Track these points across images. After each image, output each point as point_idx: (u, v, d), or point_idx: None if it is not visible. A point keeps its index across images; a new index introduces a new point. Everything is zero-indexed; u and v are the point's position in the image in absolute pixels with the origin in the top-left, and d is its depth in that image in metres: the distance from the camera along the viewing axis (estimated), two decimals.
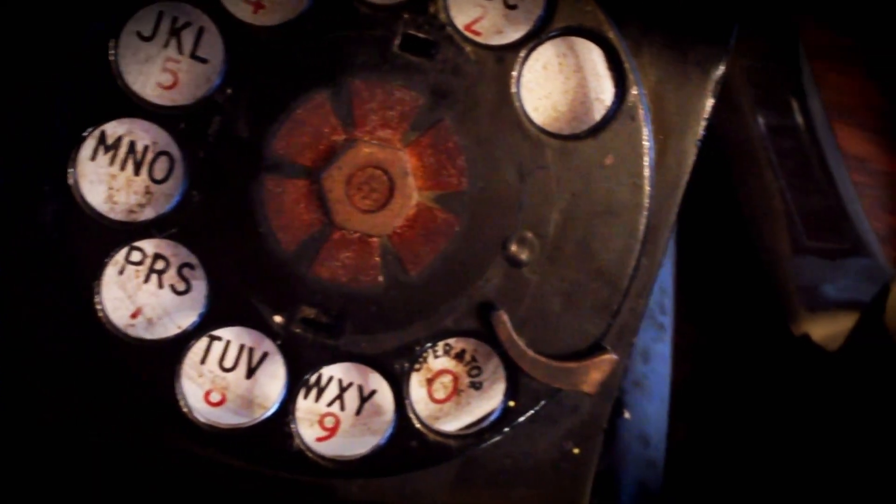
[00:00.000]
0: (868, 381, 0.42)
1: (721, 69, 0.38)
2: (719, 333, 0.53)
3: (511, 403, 0.38)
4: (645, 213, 0.37)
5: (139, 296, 0.37)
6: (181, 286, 0.37)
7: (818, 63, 0.59)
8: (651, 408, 0.44)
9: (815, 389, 0.45)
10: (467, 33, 0.36)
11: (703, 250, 0.55)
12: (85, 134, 0.36)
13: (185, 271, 0.37)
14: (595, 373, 0.37)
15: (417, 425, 0.37)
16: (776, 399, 0.50)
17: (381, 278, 0.36)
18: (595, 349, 0.37)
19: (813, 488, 0.48)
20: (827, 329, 0.47)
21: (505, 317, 0.36)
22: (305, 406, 0.38)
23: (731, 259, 0.53)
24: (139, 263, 0.37)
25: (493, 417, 0.38)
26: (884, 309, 0.42)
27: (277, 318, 0.36)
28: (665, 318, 0.45)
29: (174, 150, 0.36)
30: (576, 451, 0.39)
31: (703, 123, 0.38)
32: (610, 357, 0.37)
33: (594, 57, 0.38)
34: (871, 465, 0.42)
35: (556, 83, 0.38)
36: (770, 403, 0.51)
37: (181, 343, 0.36)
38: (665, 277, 0.45)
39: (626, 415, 0.42)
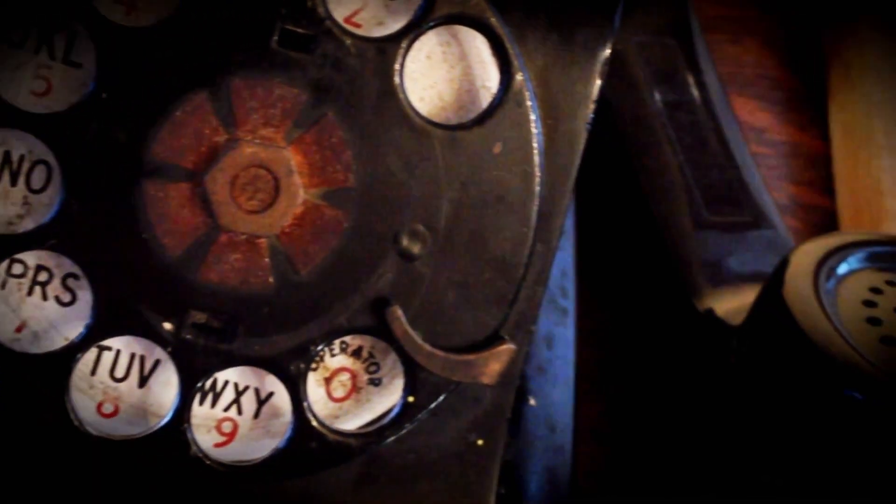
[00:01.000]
0: (768, 354, 0.42)
1: (607, 50, 0.38)
2: (626, 313, 0.53)
3: (410, 399, 0.37)
4: (537, 199, 0.37)
5: (23, 309, 0.36)
6: (66, 297, 0.36)
7: (713, 35, 0.59)
8: (556, 393, 0.43)
9: (720, 364, 0.45)
10: (347, 26, 0.36)
11: (605, 230, 0.54)
12: None
13: (70, 282, 0.36)
14: (494, 364, 0.37)
15: (316, 426, 0.36)
16: (684, 376, 0.50)
17: (271, 279, 0.36)
18: (493, 340, 0.37)
19: (722, 463, 0.48)
20: (730, 303, 0.47)
21: (399, 312, 0.36)
22: (201, 412, 0.38)
23: (634, 237, 0.53)
24: (21, 276, 0.36)
25: (393, 414, 0.37)
26: (782, 282, 0.42)
27: (167, 325, 0.35)
28: (567, 302, 0.45)
29: (51, 159, 0.35)
30: (480, 442, 0.39)
31: (593, 106, 0.38)
32: (508, 347, 0.37)
33: (478, 44, 0.37)
34: (774, 438, 0.42)
35: (441, 72, 0.37)
36: (678, 380, 0.51)
37: (69, 355, 0.35)
38: (566, 261, 0.45)
39: (532, 402, 0.42)
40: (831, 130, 0.62)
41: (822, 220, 0.60)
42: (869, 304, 0.42)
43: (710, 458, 0.49)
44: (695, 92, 0.55)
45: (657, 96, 0.54)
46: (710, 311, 0.47)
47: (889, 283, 0.43)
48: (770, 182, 0.59)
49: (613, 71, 0.51)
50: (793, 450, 0.41)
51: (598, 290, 0.53)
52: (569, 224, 0.45)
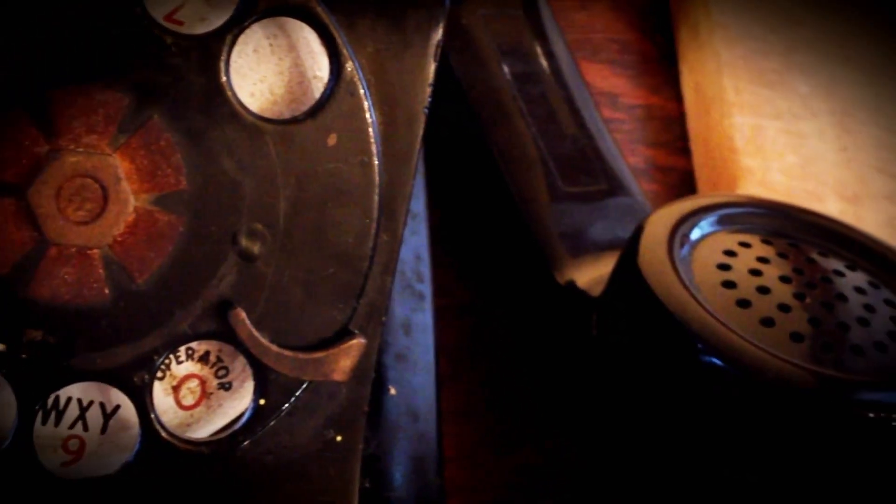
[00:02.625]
0: (627, 324, 0.42)
1: (440, 32, 0.37)
2: (489, 290, 0.53)
3: (262, 402, 0.36)
4: (377, 188, 0.36)
5: None
6: None
7: (559, 3, 0.59)
8: (417, 379, 0.43)
9: (582, 337, 0.45)
10: (167, 24, 0.35)
11: (463, 208, 0.54)
12: None
13: None
14: (345, 359, 0.36)
15: (165, 436, 0.35)
16: (549, 350, 0.50)
17: (107, 290, 0.34)
18: (343, 335, 0.36)
19: (591, 435, 0.48)
20: (591, 274, 0.47)
21: (243, 314, 0.35)
22: (45, 432, 0.36)
23: (492, 213, 0.52)
24: None
25: (245, 418, 0.36)
26: (637, 251, 0.42)
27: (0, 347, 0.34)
28: (424, 286, 0.44)
29: None
30: (338, 438, 0.38)
31: (429, 89, 0.37)
32: (359, 342, 0.36)
33: (307, 34, 0.36)
34: (637, 409, 0.42)
35: (270, 66, 0.36)
36: (544, 355, 0.51)
37: None
38: (420, 244, 0.44)
39: (392, 391, 0.41)
40: (684, 91, 0.62)
41: (680, 181, 0.60)
42: (723, 267, 0.42)
43: (579, 432, 0.49)
44: (544, 62, 0.55)
45: (506, 69, 0.54)
46: (572, 283, 0.47)
47: (742, 244, 0.44)
48: (626, 147, 0.59)
49: (460, 46, 0.51)
50: (655, 419, 0.41)
51: (461, 269, 0.53)
52: (420, 207, 0.44)
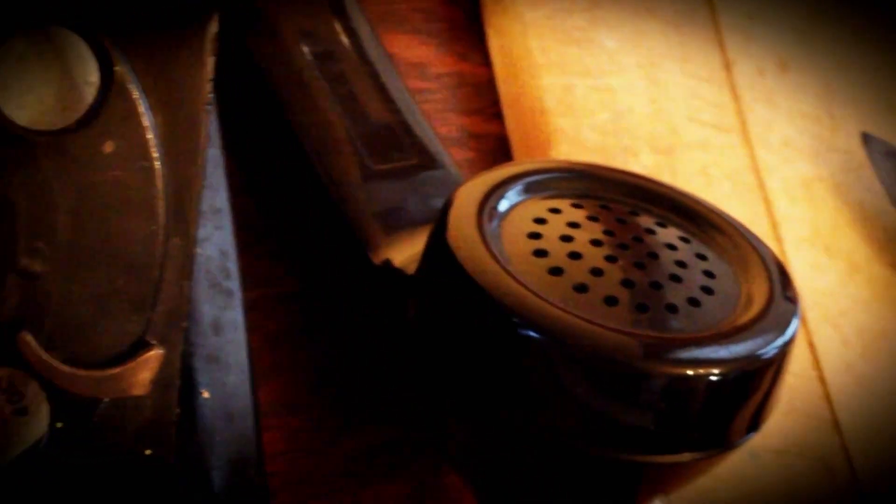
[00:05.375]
0: (441, 302, 0.41)
1: (215, 25, 0.36)
2: (310, 277, 0.52)
3: (59, 425, 0.35)
4: (161, 193, 0.35)
5: None
6: None
7: None
8: (231, 380, 0.42)
9: (401, 317, 0.44)
10: None
11: (275, 195, 0.53)
12: None
13: None
14: (143, 372, 0.35)
15: None
16: (375, 333, 0.49)
17: None
18: (139, 347, 0.35)
19: (416, 416, 0.48)
20: (407, 251, 0.46)
21: (28, 337, 0.34)
22: None
23: (304, 198, 0.51)
24: None
25: (44, 443, 0.35)
26: (446, 226, 0.41)
27: None
28: (231, 283, 0.43)
29: None
30: (148, 452, 0.37)
31: (210, 85, 0.36)
32: (156, 352, 0.35)
33: (74, 38, 0.35)
34: (459, 389, 0.41)
35: (38, 75, 0.35)
36: (371, 339, 0.50)
37: None
38: (225, 240, 0.43)
39: (205, 394, 0.40)
40: (492, 56, 0.61)
41: (496, 147, 0.59)
42: (534, 236, 0.42)
43: (408, 415, 0.49)
44: (344, 39, 0.54)
45: (305, 49, 0.52)
46: (388, 262, 0.47)
47: (552, 210, 0.43)
48: (438, 116, 0.59)
49: (257, 29, 0.50)
50: (477, 396, 0.41)
51: (280, 257, 0.51)
52: (222, 201, 0.43)
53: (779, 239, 0.59)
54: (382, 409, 0.50)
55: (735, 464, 0.48)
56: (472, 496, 0.47)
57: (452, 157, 0.53)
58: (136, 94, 0.34)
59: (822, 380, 0.55)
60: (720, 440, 0.40)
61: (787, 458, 0.52)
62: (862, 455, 0.53)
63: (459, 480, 0.48)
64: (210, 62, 0.36)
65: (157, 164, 0.35)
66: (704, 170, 0.59)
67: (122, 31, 0.34)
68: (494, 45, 0.61)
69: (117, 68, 0.34)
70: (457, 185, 0.45)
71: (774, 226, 0.59)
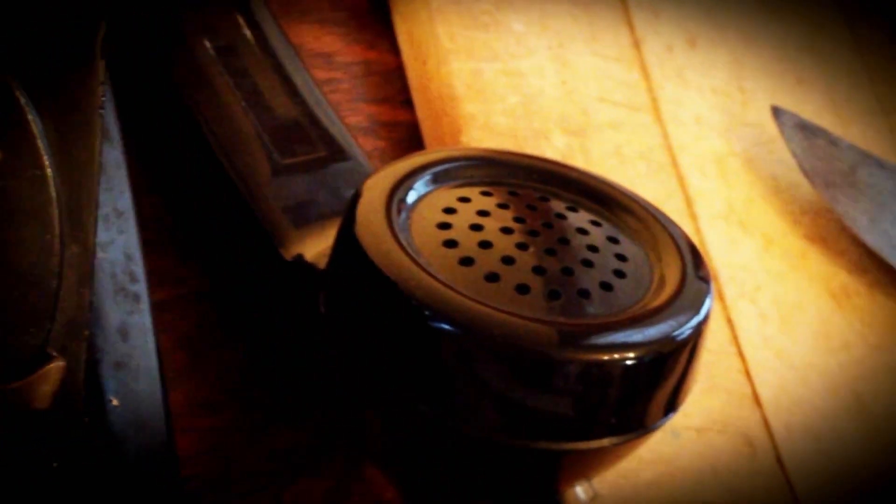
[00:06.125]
0: (352, 298, 0.41)
1: (103, 29, 0.35)
2: (224, 274, 0.51)
3: None
4: (54, 201, 0.34)
5: None
6: None
7: None
8: (141, 386, 0.41)
9: (313, 314, 0.44)
10: None
11: (184, 192, 0.52)
12: None
13: None
14: (44, 385, 0.34)
15: None
16: (291, 329, 0.49)
17: None
18: (39, 360, 0.34)
19: (336, 411, 0.47)
20: (318, 246, 0.46)
21: None
22: None
23: (213, 195, 0.50)
24: None
25: None
26: (354, 219, 0.41)
27: None
28: (138, 287, 0.42)
29: None
30: (55, 465, 0.36)
31: (103, 88, 0.35)
32: (57, 364, 0.34)
33: None
34: (372, 383, 0.41)
35: None
36: (287, 335, 0.49)
37: None
38: (129, 244, 0.42)
39: (114, 402, 0.39)
40: (399, 43, 0.61)
41: (407, 135, 0.59)
42: (444, 226, 0.41)
43: (329, 410, 0.48)
44: (247, 33, 0.53)
45: (208, 45, 0.52)
46: (300, 257, 0.46)
47: (462, 199, 0.43)
48: (347, 106, 0.58)
49: (160, 28, 0.49)
50: (392, 391, 0.40)
51: (192, 255, 0.51)
52: (126, 203, 0.42)
53: (693, 216, 0.59)
54: (301, 406, 0.49)
55: (657, 444, 0.48)
56: (394, 490, 0.47)
57: (363, 146, 0.52)
58: (23, 100, 0.33)
59: (740, 355, 0.55)
60: (639, 424, 0.40)
61: (708, 436, 0.52)
62: (783, 428, 0.53)
63: (381, 475, 0.48)
64: (100, 66, 0.35)
65: (50, 172, 0.34)
66: (617, 150, 0.59)
67: (6, 39, 0.33)
68: (401, 31, 0.61)
69: (3, 76, 0.33)
70: (366, 176, 0.44)
71: (689, 203, 0.60)
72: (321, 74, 0.57)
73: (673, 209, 0.58)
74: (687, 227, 0.58)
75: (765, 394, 0.55)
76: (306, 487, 0.49)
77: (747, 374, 0.55)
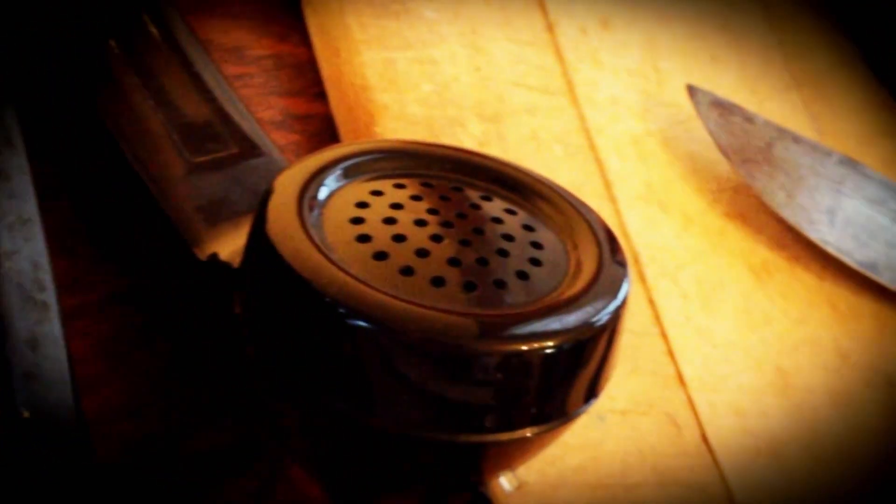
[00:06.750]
0: (266, 297, 0.40)
1: None
2: (140, 276, 0.51)
3: None
4: None
5: None
6: None
7: None
8: (53, 396, 0.40)
9: (227, 313, 0.43)
10: None
11: (94, 195, 0.51)
12: None
13: None
14: None
15: None
16: (208, 329, 0.48)
17: None
18: None
19: (257, 413, 0.47)
20: (233, 244, 0.45)
21: None
22: None
23: (124, 196, 0.50)
24: None
25: None
26: (265, 217, 0.40)
27: None
28: (46, 295, 0.41)
29: None
30: None
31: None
32: None
33: None
34: (292, 385, 0.40)
35: None
36: (205, 335, 0.49)
37: None
38: (36, 251, 0.41)
39: (25, 414, 0.39)
40: (311, 35, 0.60)
41: (321, 128, 0.58)
42: (356, 221, 0.41)
43: (250, 411, 0.48)
44: (153, 30, 0.52)
45: (113, 44, 0.51)
46: (214, 256, 0.45)
47: (374, 192, 0.43)
48: (260, 100, 0.57)
49: (66, 30, 0.48)
50: (310, 389, 0.40)
51: (105, 258, 0.50)
52: (31, 211, 0.41)
53: (612, 198, 0.59)
54: (223, 408, 0.48)
55: (582, 429, 0.48)
56: (319, 488, 0.47)
57: (277, 141, 0.52)
58: None
59: (663, 335, 0.55)
60: (560, 412, 0.40)
61: (633, 418, 0.52)
62: (707, 406, 0.54)
63: (306, 474, 0.48)
64: None
65: None
66: (534, 134, 0.59)
67: None
68: (313, 23, 0.60)
69: None
70: (279, 171, 0.44)
71: (608, 185, 0.60)
72: (232, 69, 0.56)
73: (591, 192, 0.58)
74: (606, 210, 0.58)
75: (688, 373, 0.55)
76: (230, 491, 0.48)
77: (671, 353, 0.55)
